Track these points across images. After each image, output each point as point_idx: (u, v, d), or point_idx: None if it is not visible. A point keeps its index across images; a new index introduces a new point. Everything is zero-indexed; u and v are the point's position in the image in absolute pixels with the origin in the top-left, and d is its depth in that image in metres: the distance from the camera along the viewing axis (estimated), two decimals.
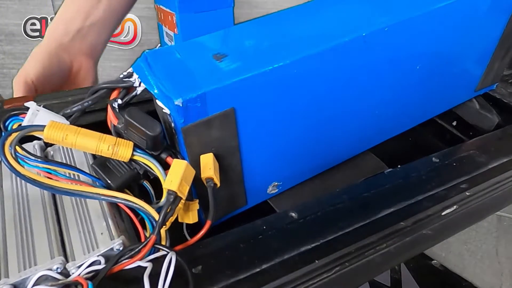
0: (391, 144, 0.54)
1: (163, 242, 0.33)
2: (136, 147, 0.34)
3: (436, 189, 0.42)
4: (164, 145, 0.36)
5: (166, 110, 0.33)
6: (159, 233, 0.31)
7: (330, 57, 0.38)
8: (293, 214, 0.38)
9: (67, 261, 0.31)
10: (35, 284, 0.28)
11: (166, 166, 0.35)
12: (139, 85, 0.36)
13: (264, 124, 0.38)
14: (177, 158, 0.35)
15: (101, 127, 0.36)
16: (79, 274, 0.29)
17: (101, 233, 0.32)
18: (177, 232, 0.37)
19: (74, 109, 0.38)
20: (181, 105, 0.32)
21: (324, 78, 0.39)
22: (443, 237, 0.48)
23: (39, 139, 0.40)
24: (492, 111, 0.63)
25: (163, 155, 0.35)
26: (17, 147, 0.33)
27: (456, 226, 0.47)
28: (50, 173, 0.34)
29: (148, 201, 0.35)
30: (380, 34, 0.40)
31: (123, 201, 0.33)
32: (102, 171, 0.35)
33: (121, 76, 0.36)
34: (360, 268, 0.35)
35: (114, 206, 0.35)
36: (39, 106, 0.36)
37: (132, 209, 0.34)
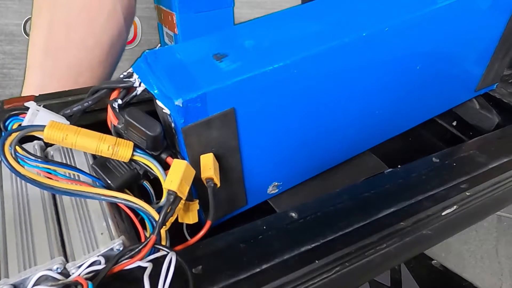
0: (391, 144, 0.54)
1: (163, 242, 0.33)
2: (136, 147, 0.34)
3: (436, 189, 0.42)
4: (164, 145, 0.36)
5: (166, 110, 0.33)
6: (159, 233, 0.31)
7: (330, 57, 0.38)
8: (293, 214, 0.38)
9: (67, 261, 0.30)
10: (35, 284, 0.28)
11: (166, 166, 0.35)
12: (139, 85, 0.36)
13: (264, 124, 0.38)
14: (177, 158, 0.35)
15: (101, 127, 0.36)
16: (79, 274, 0.29)
17: (101, 233, 0.32)
18: (177, 232, 0.37)
19: (74, 109, 0.38)
20: (181, 105, 0.32)
21: (324, 78, 0.39)
22: (443, 237, 0.48)
23: (39, 139, 0.40)
24: (492, 111, 0.63)
25: (163, 155, 0.35)
26: (17, 147, 0.33)
27: (456, 226, 0.47)
28: (50, 173, 0.34)
29: (148, 201, 0.35)
30: (381, 34, 0.40)
31: (123, 201, 0.33)
32: (102, 171, 0.35)
33: (121, 76, 0.36)
34: (360, 268, 0.35)
35: (114, 206, 0.35)
36: (39, 106, 0.36)
37: (132, 209, 0.34)
